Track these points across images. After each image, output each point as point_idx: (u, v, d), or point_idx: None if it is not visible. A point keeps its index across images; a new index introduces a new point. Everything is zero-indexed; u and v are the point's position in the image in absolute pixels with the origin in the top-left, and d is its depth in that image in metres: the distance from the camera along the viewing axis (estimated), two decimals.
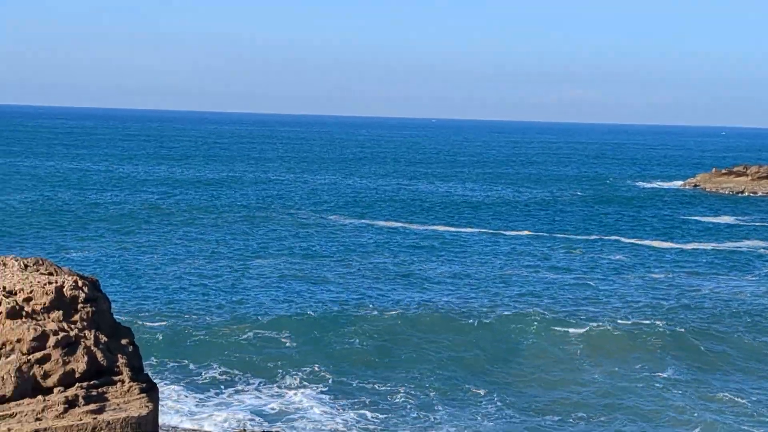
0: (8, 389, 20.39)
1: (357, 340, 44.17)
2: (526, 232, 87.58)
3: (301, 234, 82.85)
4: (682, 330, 47.43)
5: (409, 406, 36.11)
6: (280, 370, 39.90)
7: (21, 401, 20.43)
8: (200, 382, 38.13)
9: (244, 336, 44.21)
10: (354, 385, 38.70)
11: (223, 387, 37.73)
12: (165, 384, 37.66)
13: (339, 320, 47.59)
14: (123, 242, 73.68)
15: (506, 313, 50.12)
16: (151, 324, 44.55)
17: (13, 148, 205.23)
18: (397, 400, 36.69)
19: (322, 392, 37.38)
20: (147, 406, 21.01)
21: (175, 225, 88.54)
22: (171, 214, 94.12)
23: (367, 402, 36.36)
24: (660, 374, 41.23)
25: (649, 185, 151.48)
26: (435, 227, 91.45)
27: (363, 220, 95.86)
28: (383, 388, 37.93)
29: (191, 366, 39.87)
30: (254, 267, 63.53)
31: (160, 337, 43.15)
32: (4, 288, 21.96)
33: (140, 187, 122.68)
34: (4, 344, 20.98)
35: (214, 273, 60.43)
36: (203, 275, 59.48)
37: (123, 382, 21.51)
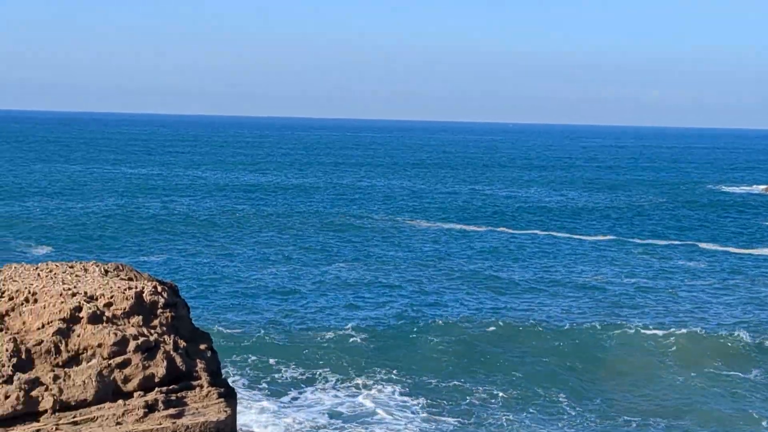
0: (89, 393, 20.68)
1: (434, 345, 44.12)
2: (605, 237, 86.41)
3: (376, 238, 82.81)
4: (765, 338, 45.91)
5: (485, 412, 35.98)
6: (357, 374, 40.12)
7: (102, 405, 20.74)
8: (277, 385, 38.51)
9: (321, 340, 44.38)
10: (430, 388, 38.57)
11: (299, 390, 38.19)
12: (242, 387, 38.12)
13: (416, 325, 47.48)
14: (201, 248, 74.56)
15: (585, 318, 49.36)
16: (228, 329, 45.11)
17: (100, 155, 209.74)
18: (473, 405, 36.60)
19: (398, 396, 37.43)
20: (225, 411, 21.27)
21: (253, 230, 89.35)
22: (248, 219, 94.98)
23: (444, 406, 36.36)
24: (743, 381, 40.27)
25: (731, 189, 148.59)
26: (511, 231, 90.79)
27: (438, 224, 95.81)
28: (460, 392, 37.92)
29: (267, 370, 40.21)
30: (331, 271, 63.63)
31: (238, 342, 43.64)
32: (86, 293, 22.23)
33: (219, 193, 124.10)
34: (85, 349, 21.25)
35: (291, 277, 60.80)
36: (280, 280, 59.87)
37: (202, 386, 21.77)
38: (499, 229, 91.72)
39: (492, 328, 46.96)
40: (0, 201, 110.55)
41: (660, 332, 46.45)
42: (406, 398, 37.37)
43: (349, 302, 53.95)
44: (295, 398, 37.34)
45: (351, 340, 44.66)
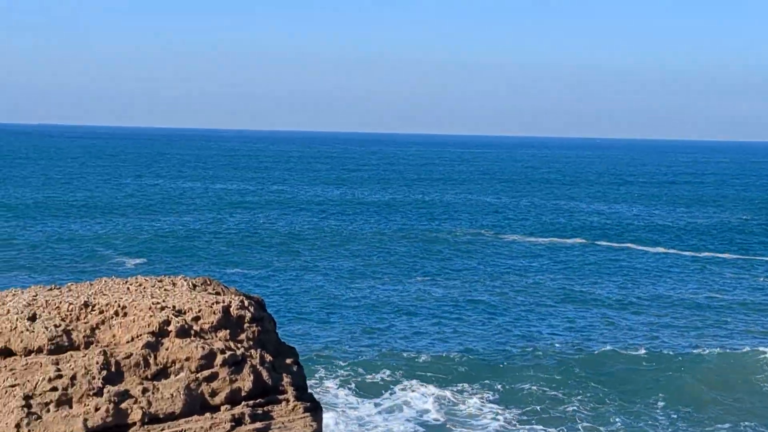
0: (178, 406, 20.79)
1: (528, 364, 43.59)
2: (721, 255, 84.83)
3: (469, 253, 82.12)
4: None
5: (584, 420, 35.53)
6: (446, 387, 39.92)
7: (190, 418, 20.83)
8: (364, 397, 38.59)
9: (409, 354, 44.32)
10: (526, 400, 38.33)
11: (387, 402, 38.04)
12: (329, 401, 38.38)
13: (507, 341, 47.12)
14: (287, 262, 75.33)
15: (696, 340, 48.19)
16: (315, 344, 45.33)
17: (196, 171, 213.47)
18: (570, 413, 36.17)
19: (491, 411, 37.26)
20: (311, 425, 21.21)
21: (340, 245, 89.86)
22: (335, 234, 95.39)
23: (540, 414, 36.00)
24: None
25: None
26: (611, 244, 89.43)
27: (530, 238, 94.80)
28: (556, 402, 37.48)
29: (354, 383, 40.37)
30: (417, 286, 63.46)
31: (324, 356, 43.86)
32: (174, 307, 22.39)
33: (307, 208, 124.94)
34: (173, 362, 21.38)
35: (377, 292, 60.83)
36: (367, 294, 59.96)
37: (288, 401, 21.78)
38: (596, 243, 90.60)
39: (586, 347, 46.24)
40: (95, 215, 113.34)
41: None
42: (499, 413, 37.19)
43: (437, 317, 53.82)
44: (382, 411, 37.49)
45: (440, 355, 44.59)
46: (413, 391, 39.80)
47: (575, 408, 38.39)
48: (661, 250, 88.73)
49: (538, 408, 38.47)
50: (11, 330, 21.58)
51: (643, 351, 46.29)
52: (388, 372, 42.33)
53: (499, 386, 40.86)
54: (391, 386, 40.87)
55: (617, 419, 37.11)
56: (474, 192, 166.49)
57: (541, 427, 36.31)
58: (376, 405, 39.04)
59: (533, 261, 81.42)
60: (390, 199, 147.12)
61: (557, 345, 47.11)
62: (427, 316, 54.79)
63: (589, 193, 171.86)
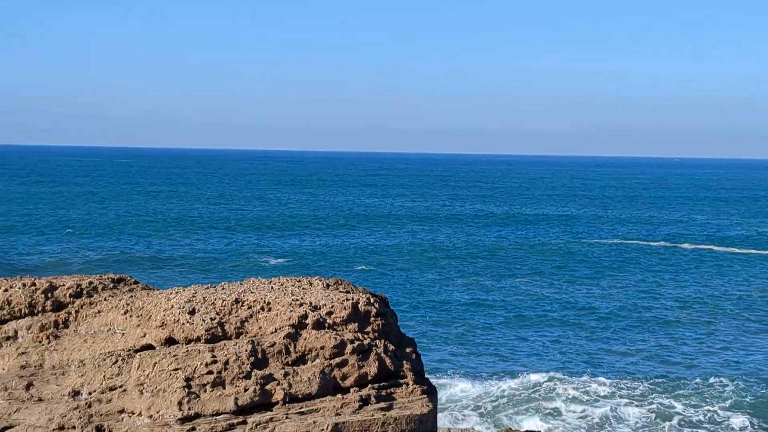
0: (314, 388, 22.65)
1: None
2: None
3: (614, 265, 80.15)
4: None
5: None
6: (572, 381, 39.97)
7: (324, 398, 22.60)
8: (476, 382, 39.43)
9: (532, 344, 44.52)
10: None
11: (498, 389, 38.55)
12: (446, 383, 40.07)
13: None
14: (412, 266, 76.33)
15: None
16: (432, 336, 46.41)
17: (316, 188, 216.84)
18: None
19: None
20: (428, 406, 22.77)
21: (475, 259, 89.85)
22: (467, 249, 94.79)
23: None
24: None
25: None
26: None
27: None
28: None
29: (465, 371, 41.13)
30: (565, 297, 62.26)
31: (439, 346, 45.16)
32: (311, 303, 24.35)
33: (446, 224, 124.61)
34: (310, 351, 23.30)
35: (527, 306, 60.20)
36: (512, 306, 59.58)
37: (407, 384, 23.38)
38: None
39: None
40: (253, 229, 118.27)
41: None
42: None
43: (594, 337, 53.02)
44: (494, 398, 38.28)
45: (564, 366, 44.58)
46: (527, 379, 40.17)
47: None
48: None
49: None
50: (174, 322, 23.81)
51: None
52: (495, 362, 42.87)
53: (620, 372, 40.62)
54: (499, 374, 41.20)
55: None
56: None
57: None
58: (485, 388, 39.72)
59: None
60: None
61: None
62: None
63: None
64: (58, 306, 26.35)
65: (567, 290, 72.97)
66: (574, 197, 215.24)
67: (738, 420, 39.82)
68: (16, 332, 25.90)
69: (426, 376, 24.85)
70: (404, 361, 23.99)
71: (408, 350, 24.70)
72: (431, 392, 23.68)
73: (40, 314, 26.21)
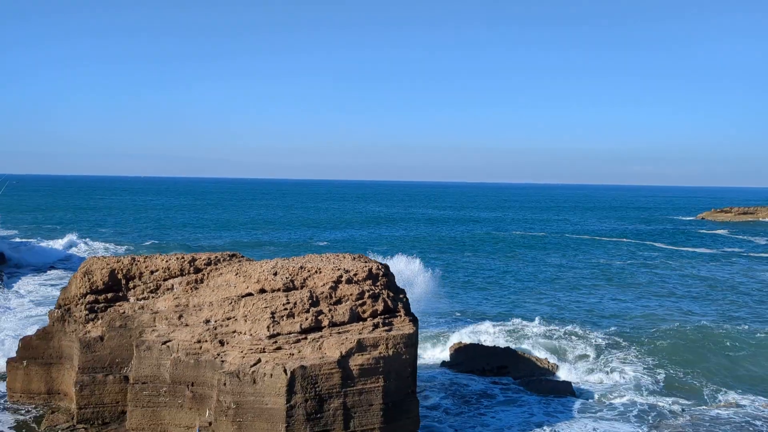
0: (346, 318, 23.71)
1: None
2: None
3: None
4: None
5: None
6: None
7: (352, 324, 23.68)
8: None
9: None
10: None
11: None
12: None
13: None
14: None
15: None
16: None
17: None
18: None
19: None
20: (413, 329, 23.82)
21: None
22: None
23: None
24: None
25: None
26: None
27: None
28: None
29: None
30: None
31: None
32: (344, 268, 25.45)
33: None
34: (344, 296, 24.31)
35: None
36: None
37: (401, 316, 24.54)
38: None
39: None
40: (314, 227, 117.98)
41: None
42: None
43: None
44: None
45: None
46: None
47: None
48: None
49: None
50: (264, 279, 24.98)
51: None
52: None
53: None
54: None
55: None
56: None
57: None
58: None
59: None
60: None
61: None
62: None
63: None
64: (197, 270, 27.67)
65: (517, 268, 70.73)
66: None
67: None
68: (172, 285, 27.08)
69: (412, 311, 25.83)
70: (399, 303, 25.17)
71: (401, 296, 25.91)
72: (415, 321, 24.94)
73: (186, 275, 27.43)
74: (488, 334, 38.50)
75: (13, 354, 28.25)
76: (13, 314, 44.74)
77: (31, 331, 28.63)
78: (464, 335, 38.21)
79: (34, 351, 27.47)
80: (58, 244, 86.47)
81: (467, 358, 34.24)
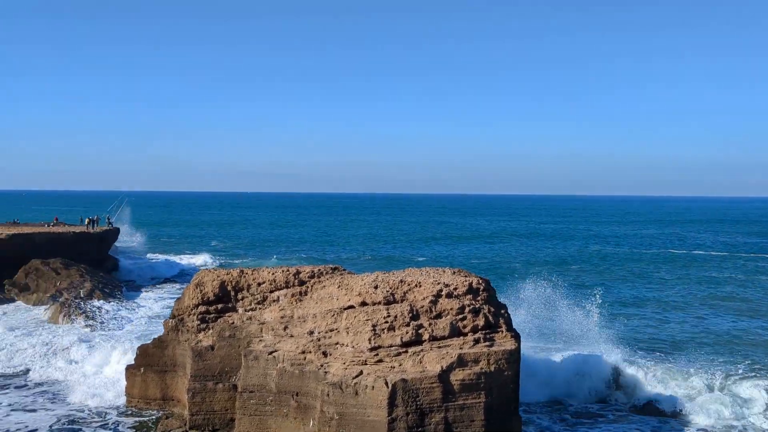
0: (446, 332, 23.46)
1: None
2: None
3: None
4: None
5: None
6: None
7: (452, 339, 23.47)
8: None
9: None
10: None
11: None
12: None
13: None
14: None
15: None
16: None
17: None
18: None
19: None
20: (515, 345, 23.51)
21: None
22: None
23: None
24: None
25: None
26: None
27: None
28: None
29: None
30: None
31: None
32: (444, 282, 25.28)
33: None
34: (444, 310, 24.21)
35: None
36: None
37: (502, 331, 24.16)
38: None
39: None
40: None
41: None
42: None
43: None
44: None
45: None
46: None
47: None
48: None
49: None
50: (366, 293, 25.21)
51: None
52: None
53: None
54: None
55: None
56: None
57: None
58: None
59: None
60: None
61: None
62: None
63: None
64: (301, 282, 28.35)
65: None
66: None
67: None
68: (278, 297, 27.87)
69: (514, 327, 25.46)
70: (500, 318, 24.87)
71: (502, 311, 25.58)
72: (517, 337, 24.55)
73: (291, 287, 28.16)
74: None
75: (132, 361, 29.84)
76: (132, 324, 47.45)
77: (148, 339, 30.17)
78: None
79: (151, 359, 28.99)
80: (172, 257, 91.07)
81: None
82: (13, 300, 56.49)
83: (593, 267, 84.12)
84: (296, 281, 28.23)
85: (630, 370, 33.06)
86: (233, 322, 26.99)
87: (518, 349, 23.82)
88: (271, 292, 27.97)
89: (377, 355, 22.95)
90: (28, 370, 35.28)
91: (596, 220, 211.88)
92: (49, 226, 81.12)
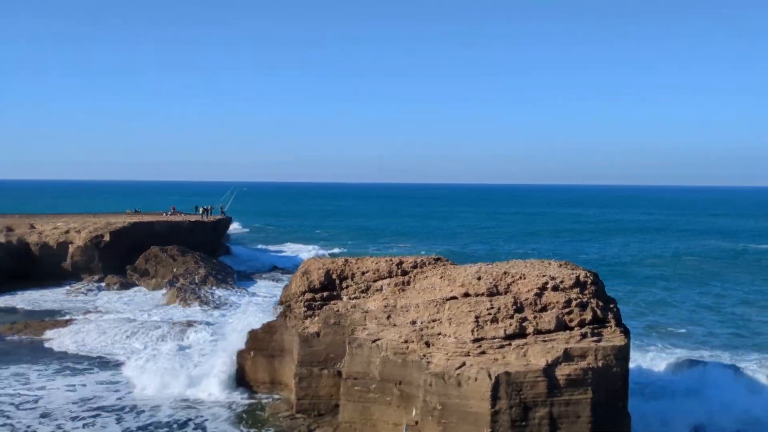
0: (552, 326, 23.11)
1: None
2: None
3: None
4: None
5: None
6: None
7: (558, 333, 23.09)
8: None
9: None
10: None
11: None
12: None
13: None
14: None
15: None
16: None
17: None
18: None
19: None
20: (624, 341, 22.83)
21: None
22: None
23: None
24: None
25: None
26: None
27: None
28: None
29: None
30: None
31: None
32: (550, 275, 24.97)
33: None
34: (549, 303, 23.82)
35: None
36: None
37: (611, 326, 23.52)
38: None
39: None
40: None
41: None
42: None
43: None
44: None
45: None
46: None
47: None
48: None
49: None
50: (469, 284, 25.25)
51: None
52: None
53: None
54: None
55: None
56: None
57: None
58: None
59: None
60: None
61: None
62: None
63: None
64: (404, 272, 28.70)
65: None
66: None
67: None
68: (382, 287, 28.30)
69: (623, 322, 24.64)
70: (609, 313, 24.17)
71: (611, 305, 24.83)
72: (627, 332, 23.76)
73: (395, 277, 28.54)
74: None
75: (243, 346, 31.04)
76: (243, 310, 49.36)
77: (257, 325, 31.31)
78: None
79: (260, 343, 30.13)
80: (280, 245, 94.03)
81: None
82: (134, 284, 60.09)
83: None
84: (399, 271, 28.51)
85: None
86: (338, 310, 27.58)
87: (628, 345, 23.02)
88: (375, 281, 28.38)
89: (480, 346, 22.82)
90: (139, 351, 37.10)
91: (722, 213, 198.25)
92: (166, 215, 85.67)
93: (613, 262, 79.86)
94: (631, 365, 25.34)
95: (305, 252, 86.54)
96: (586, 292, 24.58)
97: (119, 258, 62.92)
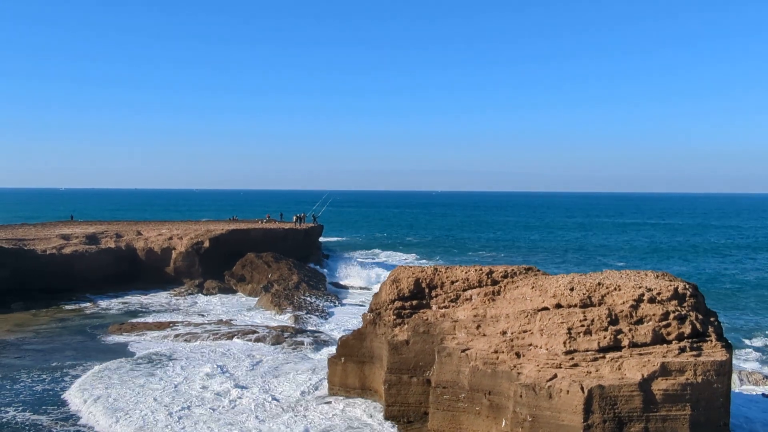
0: (648, 339, 22.38)
1: None
2: None
3: None
4: None
5: None
6: None
7: (653, 346, 22.28)
8: None
9: None
10: None
11: None
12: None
13: None
14: None
15: None
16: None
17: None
18: None
19: None
20: (726, 356, 21.85)
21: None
22: None
23: None
24: None
25: None
26: None
27: None
28: None
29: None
30: None
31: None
32: (646, 287, 24.06)
33: None
34: (645, 316, 22.97)
35: None
36: None
37: (711, 341, 22.53)
38: None
39: None
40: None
41: None
42: None
43: None
44: None
45: None
46: None
47: None
48: None
49: None
50: (561, 294, 24.57)
51: None
52: None
53: None
54: None
55: None
56: None
57: None
58: None
59: None
60: None
61: None
62: None
63: None
64: (494, 282, 28.40)
65: None
66: None
67: None
68: (471, 296, 28.12)
69: (724, 336, 23.73)
70: (709, 326, 23.24)
71: (712, 319, 23.87)
72: (728, 347, 22.81)
73: (484, 286, 28.31)
74: None
75: (334, 352, 31.57)
76: (334, 317, 50.22)
77: (348, 331, 31.78)
78: None
79: (350, 349, 30.54)
80: (370, 252, 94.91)
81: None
82: (231, 289, 62.27)
83: None
84: (489, 280, 28.31)
85: None
86: (427, 319, 27.66)
87: (729, 360, 22.10)
88: (464, 290, 28.30)
89: (572, 359, 22.36)
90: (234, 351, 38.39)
91: None
92: (262, 222, 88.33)
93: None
94: None
95: (396, 259, 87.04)
96: (685, 304, 23.62)
97: (218, 263, 65.35)
